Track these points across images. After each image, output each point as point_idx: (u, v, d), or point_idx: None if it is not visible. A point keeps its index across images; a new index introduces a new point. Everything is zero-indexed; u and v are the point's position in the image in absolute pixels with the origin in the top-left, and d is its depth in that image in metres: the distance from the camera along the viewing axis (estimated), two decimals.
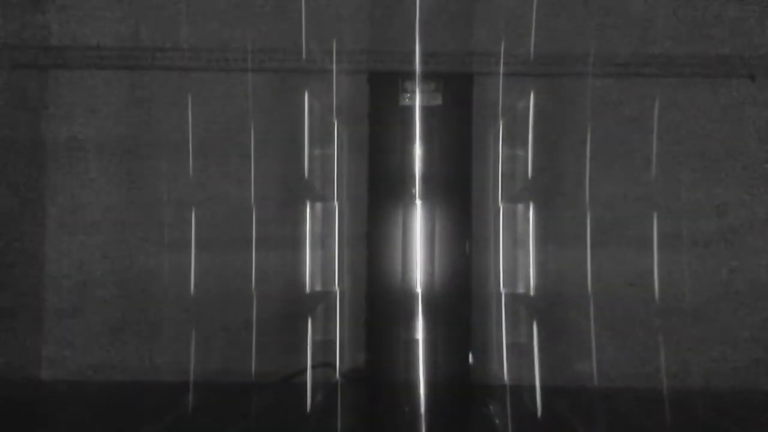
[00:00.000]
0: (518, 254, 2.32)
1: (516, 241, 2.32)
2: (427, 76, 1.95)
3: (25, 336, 2.32)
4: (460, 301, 1.98)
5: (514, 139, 2.30)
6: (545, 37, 2.22)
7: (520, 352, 2.29)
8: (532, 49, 2.12)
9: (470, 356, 2.00)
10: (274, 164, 2.33)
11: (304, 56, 1.99)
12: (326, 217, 2.32)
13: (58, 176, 2.31)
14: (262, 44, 2.24)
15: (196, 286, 2.26)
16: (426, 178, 1.95)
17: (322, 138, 2.30)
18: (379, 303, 1.98)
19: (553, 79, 2.25)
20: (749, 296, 2.29)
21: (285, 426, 1.90)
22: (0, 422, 1.88)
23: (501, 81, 2.13)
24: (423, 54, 1.95)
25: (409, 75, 1.95)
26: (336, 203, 2.29)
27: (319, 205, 2.33)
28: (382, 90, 1.98)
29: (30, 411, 2.02)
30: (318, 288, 2.31)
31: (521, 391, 2.19)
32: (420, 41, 2.00)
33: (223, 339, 2.32)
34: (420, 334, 1.92)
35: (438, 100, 1.96)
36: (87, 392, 2.24)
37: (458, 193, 1.99)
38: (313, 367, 2.20)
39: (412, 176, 1.95)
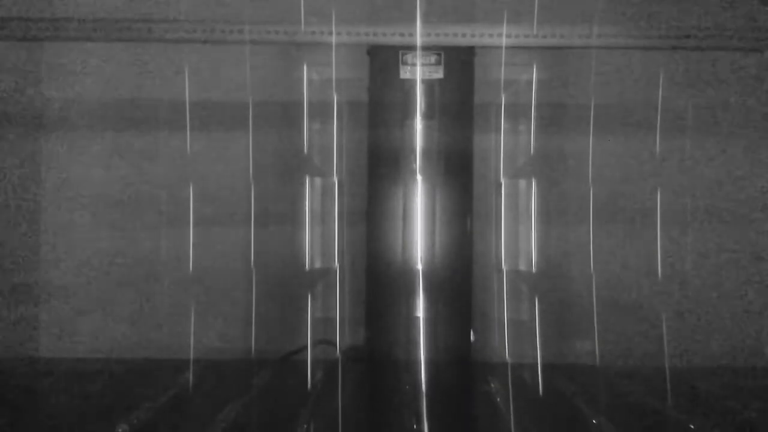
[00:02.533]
0: (520, 230, 2.30)
1: (518, 217, 2.30)
2: (427, 49, 1.91)
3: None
4: (461, 278, 1.95)
5: (516, 113, 2.27)
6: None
7: (521, 329, 2.28)
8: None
9: (471, 333, 1.98)
10: (273, 138, 2.30)
11: (302, 28, 1.95)
12: (326, 193, 2.30)
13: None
14: (260, 16, 2.21)
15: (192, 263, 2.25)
16: (427, 153, 1.92)
17: (321, 112, 2.27)
18: (380, 280, 1.95)
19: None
20: None
21: (285, 403, 1.89)
22: None
23: (503, 54, 2.09)
24: (424, 26, 1.91)
25: (410, 48, 1.91)
26: (335, 178, 2.27)
27: (318, 180, 2.31)
28: (383, 63, 1.94)
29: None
30: (318, 265, 2.29)
31: (522, 368, 2.18)
32: (421, 13, 1.96)
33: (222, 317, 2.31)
34: (421, 311, 1.90)
35: (439, 73, 1.92)
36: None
37: (459, 169, 1.96)
38: (313, 344, 2.19)
39: (413, 151, 1.91)
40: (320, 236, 2.30)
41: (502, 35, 1.89)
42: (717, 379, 2.18)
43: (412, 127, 1.92)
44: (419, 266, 1.91)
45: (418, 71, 1.91)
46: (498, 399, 1.93)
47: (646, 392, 1.99)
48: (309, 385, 2.01)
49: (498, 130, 2.32)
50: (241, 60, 2.22)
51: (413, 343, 1.89)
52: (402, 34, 1.89)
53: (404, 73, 1.91)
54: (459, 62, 1.94)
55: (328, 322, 2.27)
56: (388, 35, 1.90)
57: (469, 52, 1.98)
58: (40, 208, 2.34)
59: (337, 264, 2.26)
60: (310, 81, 2.26)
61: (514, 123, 2.34)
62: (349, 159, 2.29)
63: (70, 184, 2.35)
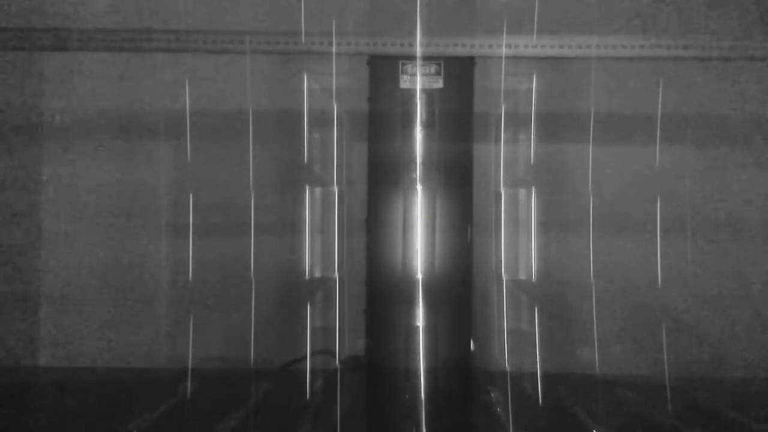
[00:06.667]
0: (520, 240, 2.31)
1: (518, 227, 2.31)
2: (427, 59, 1.91)
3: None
4: (461, 287, 1.95)
5: (516, 122, 2.28)
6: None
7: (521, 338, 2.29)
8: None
9: (471, 342, 1.98)
10: (273, 148, 2.32)
11: (303, 39, 1.96)
12: (326, 202, 2.30)
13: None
14: (260, 26, 2.23)
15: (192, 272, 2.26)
16: (427, 162, 1.92)
17: (321, 121, 2.29)
18: (379, 289, 1.95)
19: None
20: None
21: (284, 413, 1.89)
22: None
23: (503, 64, 2.10)
24: (423, 36, 1.91)
25: (410, 57, 1.92)
26: (336, 188, 2.27)
27: (318, 190, 2.31)
28: (382, 73, 1.94)
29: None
30: (317, 274, 2.30)
31: (522, 377, 2.18)
32: (421, 23, 1.96)
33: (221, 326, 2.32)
34: (421, 320, 1.89)
35: (439, 83, 1.92)
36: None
37: (459, 178, 1.96)
38: (312, 354, 2.19)
39: (413, 160, 1.92)
40: (320, 245, 2.31)
41: (501, 45, 1.89)
42: None
43: (412, 137, 1.92)
44: (419, 275, 1.91)
45: (418, 81, 1.91)
46: (498, 408, 1.94)
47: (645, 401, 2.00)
48: (308, 395, 2.01)
49: (498, 139, 2.33)
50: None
51: (413, 352, 1.89)
52: (402, 45, 1.90)
53: (404, 83, 1.92)
54: (459, 72, 1.95)
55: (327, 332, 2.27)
56: (388, 45, 1.91)
57: (469, 61, 1.98)
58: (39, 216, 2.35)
59: (336, 274, 2.26)
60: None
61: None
62: (348, 168, 2.30)
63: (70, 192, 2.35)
